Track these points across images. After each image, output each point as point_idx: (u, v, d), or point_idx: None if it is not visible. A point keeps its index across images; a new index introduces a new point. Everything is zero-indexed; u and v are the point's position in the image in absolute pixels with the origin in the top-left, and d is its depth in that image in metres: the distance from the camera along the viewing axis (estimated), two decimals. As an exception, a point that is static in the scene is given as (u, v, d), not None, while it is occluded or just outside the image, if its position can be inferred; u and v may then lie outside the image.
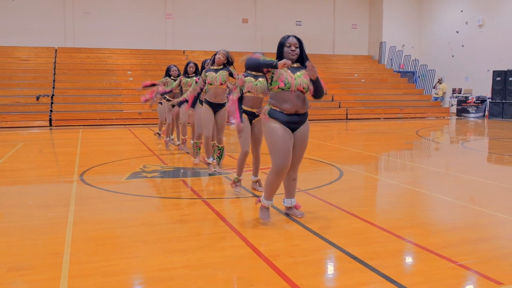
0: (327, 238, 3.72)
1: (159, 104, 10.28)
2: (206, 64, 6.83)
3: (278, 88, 3.93)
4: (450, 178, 6.67)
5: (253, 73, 5.05)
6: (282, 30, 21.71)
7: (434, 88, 22.17)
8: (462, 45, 21.16)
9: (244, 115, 5.16)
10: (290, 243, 3.67)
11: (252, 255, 3.39)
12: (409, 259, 3.42)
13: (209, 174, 6.50)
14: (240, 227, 4.09)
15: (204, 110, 6.32)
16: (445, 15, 22.17)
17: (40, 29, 19.11)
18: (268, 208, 4.20)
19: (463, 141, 11.74)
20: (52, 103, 16.08)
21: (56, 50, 19.24)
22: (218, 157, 6.45)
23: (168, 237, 3.82)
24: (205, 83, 6.27)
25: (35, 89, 16.46)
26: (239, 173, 5.33)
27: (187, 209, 4.84)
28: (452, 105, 20.76)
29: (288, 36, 4.03)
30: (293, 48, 3.98)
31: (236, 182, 5.34)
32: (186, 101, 7.48)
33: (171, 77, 9.02)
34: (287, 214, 4.38)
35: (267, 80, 4.05)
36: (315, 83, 3.98)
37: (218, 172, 6.45)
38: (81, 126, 15.11)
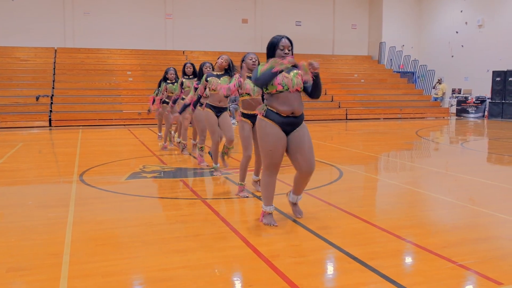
0: (326, 238, 3.72)
1: (160, 109, 10.27)
2: (204, 67, 6.80)
3: (276, 91, 3.88)
4: (450, 178, 6.67)
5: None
6: (282, 30, 21.76)
7: (433, 88, 22.18)
8: (462, 45, 21.17)
9: (245, 119, 5.13)
10: (289, 243, 3.67)
11: (252, 255, 3.39)
12: (408, 259, 3.42)
13: (211, 174, 6.49)
14: (240, 227, 4.09)
15: (208, 117, 6.20)
16: (445, 15, 22.18)
17: (39, 29, 19.12)
18: (271, 214, 4.14)
19: (462, 141, 11.74)
20: (51, 103, 16.08)
21: (55, 50, 19.24)
22: (224, 152, 6.17)
23: (168, 237, 3.82)
24: (205, 88, 6.22)
25: (34, 89, 16.46)
26: (243, 178, 5.24)
27: (187, 209, 4.84)
28: (451, 105, 20.78)
29: (281, 38, 3.96)
30: (286, 51, 3.94)
31: (241, 187, 5.24)
32: (186, 105, 7.37)
33: (168, 81, 8.95)
34: (287, 215, 4.37)
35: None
36: (315, 81, 3.92)
37: (221, 169, 6.37)
38: (81, 127, 15.10)
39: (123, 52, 20.19)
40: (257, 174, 5.36)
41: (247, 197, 5.15)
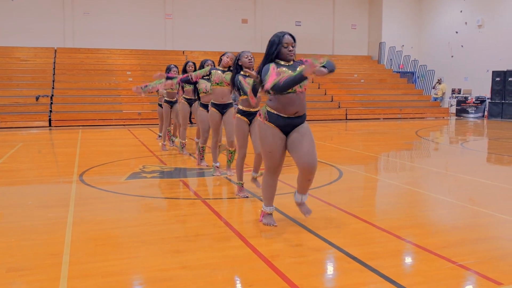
0: (326, 239, 3.72)
1: (159, 107, 10.25)
2: (206, 64, 6.80)
3: (283, 93, 3.72)
4: (450, 178, 6.67)
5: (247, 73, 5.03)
6: (281, 31, 21.76)
7: (433, 88, 22.19)
8: (462, 46, 21.17)
9: (241, 116, 5.09)
10: (289, 243, 3.67)
11: (252, 256, 3.39)
12: (408, 259, 3.42)
13: (212, 175, 6.49)
14: (240, 227, 4.09)
15: (211, 116, 6.10)
16: (445, 15, 22.18)
17: (39, 30, 19.11)
18: (271, 214, 4.12)
19: (462, 141, 11.74)
20: (51, 103, 16.08)
21: (55, 51, 19.24)
22: (229, 160, 6.23)
23: (168, 237, 3.82)
24: (203, 77, 6.15)
25: (34, 89, 16.46)
26: (240, 177, 5.21)
27: (187, 209, 4.83)
28: (451, 105, 20.78)
29: (284, 34, 3.81)
30: (290, 48, 3.79)
31: (240, 187, 5.22)
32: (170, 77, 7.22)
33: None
34: (287, 215, 4.37)
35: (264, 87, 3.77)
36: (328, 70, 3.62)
37: (226, 173, 6.34)
38: (81, 127, 15.10)
39: (123, 52, 20.19)
40: (256, 171, 5.30)
41: (247, 197, 5.14)
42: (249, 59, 5.05)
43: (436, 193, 5.68)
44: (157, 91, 10.12)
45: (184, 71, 8.09)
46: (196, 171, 6.95)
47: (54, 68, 18.13)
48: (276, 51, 3.81)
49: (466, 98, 19.89)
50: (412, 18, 23.70)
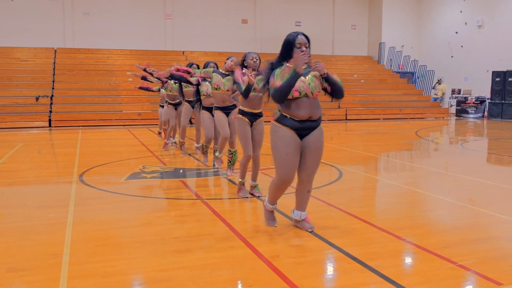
0: (326, 239, 3.72)
1: (160, 107, 10.27)
2: (209, 66, 6.79)
3: (293, 97, 3.61)
4: (450, 179, 6.67)
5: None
6: (281, 31, 21.72)
7: (433, 88, 22.19)
8: (462, 46, 21.18)
9: (243, 117, 5.08)
10: (289, 243, 3.67)
11: (252, 256, 3.39)
12: (408, 260, 3.42)
13: (214, 167, 6.50)
14: (240, 227, 4.09)
15: (217, 117, 6.13)
16: (445, 15, 22.19)
17: (39, 30, 19.12)
18: (272, 212, 4.12)
19: (462, 141, 11.74)
20: (51, 103, 16.08)
21: (55, 51, 19.25)
22: (230, 161, 6.25)
23: (168, 237, 3.81)
24: (205, 79, 6.19)
25: (34, 89, 16.47)
26: (243, 176, 5.22)
27: (187, 209, 4.83)
28: (451, 105, 20.78)
29: (297, 34, 3.66)
30: (303, 48, 3.62)
31: (241, 186, 5.22)
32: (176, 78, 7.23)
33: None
34: (286, 215, 4.37)
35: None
36: (329, 81, 3.67)
37: (228, 175, 6.34)
38: (81, 127, 15.10)
39: (123, 52, 20.20)
40: (254, 179, 5.24)
41: (247, 197, 5.14)
42: (254, 61, 5.02)
43: (436, 193, 5.68)
44: (159, 90, 10.14)
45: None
46: (196, 171, 6.95)
47: (54, 69, 18.14)
48: (290, 50, 3.66)
49: (466, 98, 19.89)
50: (412, 18, 23.71)
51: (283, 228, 4.05)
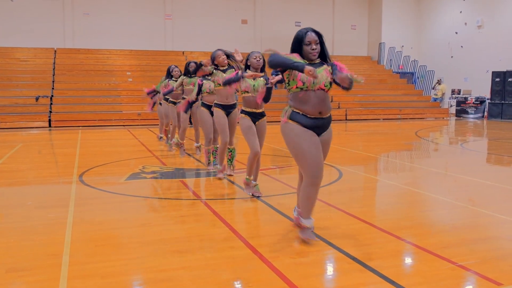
0: (326, 239, 3.72)
1: (159, 105, 10.24)
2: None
3: (297, 87, 3.47)
4: (449, 179, 6.67)
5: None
6: (281, 31, 21.80)
7: (433, 89, 22.20)
8: (461, 46, 21.18)
9: (246, 116, 5.10)
10: (289, 244, 3.66)
11: (252, 256, 3.39)
12: (408, 260, 3.42)
13: (213, 174, 6.49)
14: (240, 228, 4.09)
15: (217, 116, 6.04)
16: (444, 16, 22.19)
17: (39, 30, 19.12)
18: (309, 229, 3.66)
19: (462, 142, 11.74)
20: (51, 104, 16.08)
21: (55, 51, 19.24)
22: (229, 159, 6.22)
23: (167, 238, 3.81)
24: (205, 77, 6.19)
25: (34, 90, 16.46)
26: (250, 173, 5.18)
27: (186, 210, 4.84)
28: (451, 105, 20.79)
29: (307, 31, 3.50)
30: (313, 46, 3.48)
31: (248, 183, 5.19)
32: (190, 102, 7.41)
33: (173, 78, 8.91)
34: (286, 215, 4.37)
35: (283, 80, 3.63)
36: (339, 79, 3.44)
37: (229, 174, 6.30)
38: (80, 127, 15.10)
39: (123, 52, 20.20)
40: (254, 179, 5.24)
41: (250, 195, 5.12)
42: (257, 60, 5.01)
43: (436, 193, 5.68)
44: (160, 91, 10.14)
45: (186, 71, 8.04)
46: (195, 171, 6.95)
47: (54, 69, 18.14)
48: (300, 48, 3.53)
49: (465, 98, 19.90)
50: (412, 19, 23.71)
51: (283, 228, 4.05)
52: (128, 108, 16.62)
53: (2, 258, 3.37)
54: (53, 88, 16.92)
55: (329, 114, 3.61)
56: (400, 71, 23.36)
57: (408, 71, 23.57)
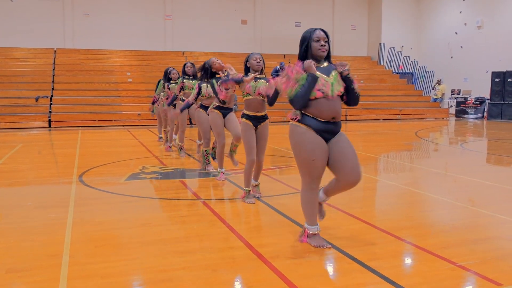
0: (326, 239, 3.72)
1: (157, 106, 10.24)
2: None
3: (316, 98, 3.40)
4: (449, 179, 6.67)
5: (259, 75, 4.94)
6: (281, 31, 21.83)
7: (433, 89, 22.21)
8: (461, 46, 21.19)
9: (247, 121, 4.93)
10: (289, 244, 3.66)
11: (251, 256, 3.39)
12: (408, 260, 3.42)
13: (212, 175, 6.49)
14: (240, 228, 4.09)
15: (214, 118, 5.97)
16: (444, 16, 22.20)
17: (39, 30, 19.13)
18: (317, 234, 3.62)
19: (462, 142, 11.75)
20: (51, 104, 16.08)
21: (55, 51, 19.25)
22: (233, 150, 6.07)
23: (167, 238, 3.81)
24: (202, 82, 6.20)
25: (34, 90, 16.47)
26: (248, 184, 5.02)
27: (186, 210, 4.83)
28: (451, 106, 20.80)
29: (315, 29, 3.49)
30: (322, 42, 3.45)
31: (247, 193, 5.03)
32: (189, 104, 7.38)
33: (172, 81, 8.86)
34: (286, 215, 4.37)
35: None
36: (347, 82, 3.52)
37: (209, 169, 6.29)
38: (80, 127, 15.10)
39: (123, 53, 20.21)
40: (256, 178, 5.18)
41: (254, 203, 4.95)
42: (257, 62, 4.89)
43: (436, 193, 5.68)
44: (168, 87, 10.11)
45: (183, 72, 8.03)
46: (195, 171, 6.94)
47: (53, 69, 18.14)
48: (307, 47, 3.49)
49: (465, 98, 19.91)
50: (411, 19, 23.72)
51: (283, 228, 4.05)
52: (128, 108, 16.62)
53: (2, 258, 3.37)
54: (53, 89, 16.93)
55: (340, 120, 3.59)
56: (400, 71, 23.37)
57: (408, 71, 23.58)
